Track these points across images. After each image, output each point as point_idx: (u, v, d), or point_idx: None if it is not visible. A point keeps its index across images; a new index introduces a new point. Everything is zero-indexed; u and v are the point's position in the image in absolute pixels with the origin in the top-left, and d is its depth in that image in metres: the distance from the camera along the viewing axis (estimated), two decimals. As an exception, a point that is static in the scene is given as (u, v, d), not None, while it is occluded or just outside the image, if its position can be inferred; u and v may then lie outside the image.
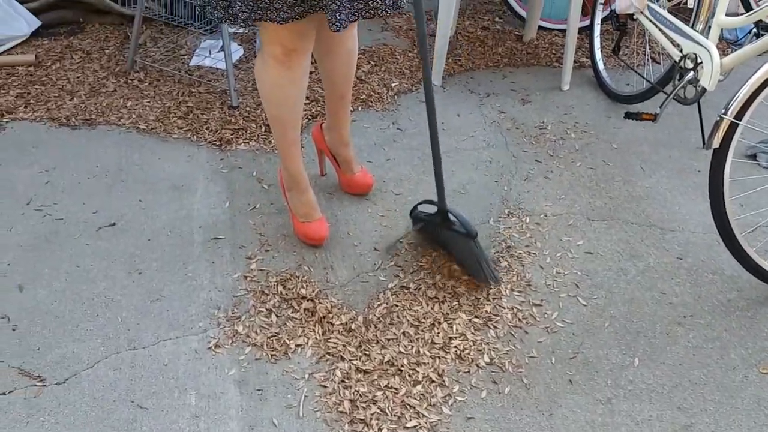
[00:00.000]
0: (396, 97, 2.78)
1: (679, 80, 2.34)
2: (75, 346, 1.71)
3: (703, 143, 1.89)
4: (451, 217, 1.90)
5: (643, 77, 2.65)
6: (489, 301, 1.87)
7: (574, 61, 3.08)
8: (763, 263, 1.90)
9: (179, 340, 1.74)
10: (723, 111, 1.79)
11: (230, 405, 1.59)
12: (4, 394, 1.59)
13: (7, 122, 2.51)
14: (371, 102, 2.73)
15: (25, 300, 1.83)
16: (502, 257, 2.02)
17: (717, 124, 1.80)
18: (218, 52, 2.95)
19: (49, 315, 1.79)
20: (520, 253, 2.04)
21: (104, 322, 1.78)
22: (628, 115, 2.40)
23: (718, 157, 1.83)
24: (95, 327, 1.77)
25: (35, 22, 2.99)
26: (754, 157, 2.48)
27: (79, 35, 3.07)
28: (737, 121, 1.78)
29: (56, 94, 2.66)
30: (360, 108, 2.69)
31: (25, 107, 2.58)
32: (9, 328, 1.75)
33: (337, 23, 1.68)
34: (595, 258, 2.04)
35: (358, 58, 3.00)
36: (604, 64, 2.91)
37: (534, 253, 2.04)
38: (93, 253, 1.99)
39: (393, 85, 2.84)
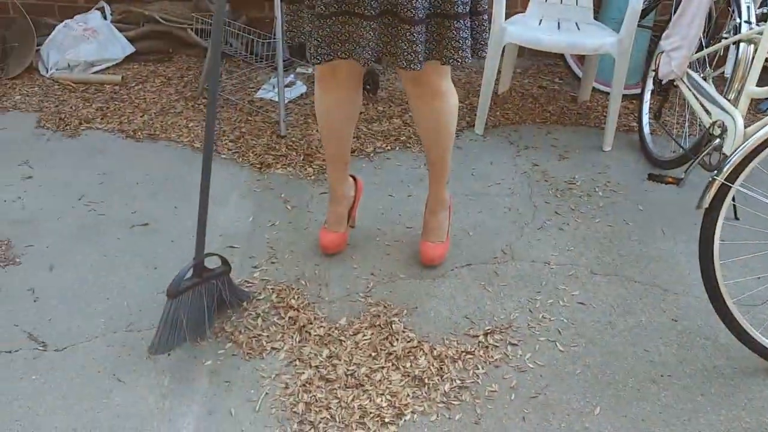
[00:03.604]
0: (435, 141, 2.90)
1: (705, 146, 2.33)
2: (82, 321, 1.91)
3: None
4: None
5: (678, 143, 2.64)
6: (466, 335, 1.92)
7: (624, 125, 3.10)
8: (753, 332, 1.84)
9: (171, 329, 1.90)
10: (716, 172, 1.79)
11: (197, 390, 1.72)
12: (9, 352, 1.80)
13: (83, 130, 2.84)
14: (410, 144, 2.86)
15: (52, 278, 2.07)
16: (491, 296, 2.06)
17: (709, 185, 1.80)
18: (284, 87, 3.19)
19: (68, 292, 2.01)
20: (511, 295, 2.08)
21: (112, 304, 1.98)
22: (652, 177, 2.40)
23: (709, 218, 1.81)
24: (104, 308, 1.97)
25: (130, 49, 3.36)
26: None
27: (166, 63, 3.42)
28: (729, 184, 1.77)
29: (131, 111, 2.98)
30: (398, 148, 2.83)
31: (102, 119, 2.91)
32: (32, 299, 1.98)
33: (365, 62, 1.80)
34: (586, 309, 2.04)
35: (405, 103, 3.15)
36: (651, 130, 2.91)
37: (526, 297, 2.07)
38: (122, 246, 2.21)
39: (435, 130, 2.97)
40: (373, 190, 2.56)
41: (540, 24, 2.96)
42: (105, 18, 3.38)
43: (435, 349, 1.87)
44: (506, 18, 2.93)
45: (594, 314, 2.02)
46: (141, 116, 2.94)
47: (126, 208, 2.39)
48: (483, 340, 1.91)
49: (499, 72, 3.30)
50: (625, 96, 3.30)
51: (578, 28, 2.94)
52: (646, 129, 2.91)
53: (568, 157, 2.84)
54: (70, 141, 2.77)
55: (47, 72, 3.19)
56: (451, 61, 1.80)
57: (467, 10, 1.77)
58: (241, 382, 1.75)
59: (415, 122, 2.09)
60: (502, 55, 3.08)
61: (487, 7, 1.85)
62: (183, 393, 1.71)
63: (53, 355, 1.80)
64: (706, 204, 1.81)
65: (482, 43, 1.86)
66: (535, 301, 2.06)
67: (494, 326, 1.96)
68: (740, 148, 1.77)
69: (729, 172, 1.77)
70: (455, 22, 1.75)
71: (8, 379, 1.73)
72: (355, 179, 2.28)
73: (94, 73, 3.22)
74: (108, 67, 3.28)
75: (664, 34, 2.66)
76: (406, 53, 1.77)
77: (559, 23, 2.99)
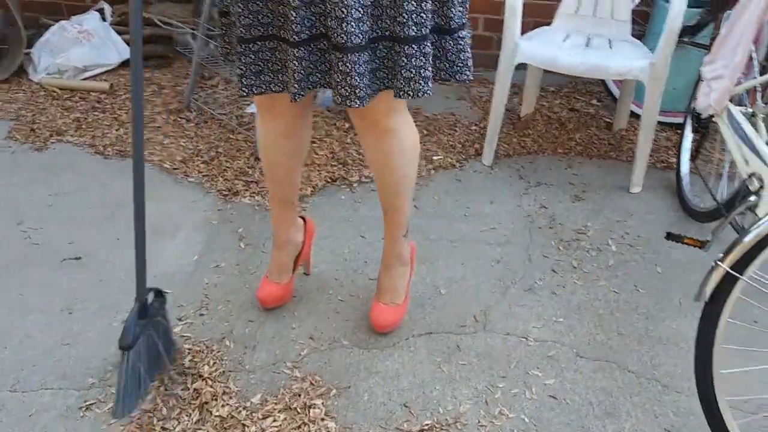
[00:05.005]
0: (432, 171, 2.54)
1: (740, 203, 1.87)
2: (-34, 375, 1.70)
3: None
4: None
5: (712, 193, 2.17)
6: (398, 429, 1.57)
7: (662, 161, 2.64)
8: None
9: (59, 392, 1.64)
10: (720, 256, 1.36)
11: (59, 479, 1.46)
12: None
13: (53, 143, 2.64)
14: (402, 173, 2.51)
15: (-44, 318, 1.86)
16: (444, 378, 1.70)
17: (710, 272, 1.38)
18: (280, 101, 2.90)
19: (-35, 338, 1.80)
20: (468, 379, 1.71)
21: (8, 356, 1.74)
22: (670, 236, 1.95)
23: (710, 313, 1.39)
24: (-4, 360, 1.74)
25: (127, 53, 3.16)
26: None
27: (164, 70, 3.20)
28: (736, 274, 1.34)
29: (108, 123, 2.77)
30: (387, 178, 2.49)
31: (75, 131, 2.71)
32: (-77, 342, 1.78)
33: (295, 95, 1.51)
34: (558, 406, 1.64)
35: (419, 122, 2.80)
36: (690, 169, 2.44)
37: (486, 383, 1.70)
38: (44, 284, 1.98)
39: (435, 158, 2.60)
40: (345, 229, 2.23)
41: (565, 40, 2.54)
42: (104, 20, 3.20)
43: (354, 446, 1.54)
44: (529, 31, 2.54)
45: (565, 414, 1.63)
46: (117, 130, 2.72)
47: (64, 238, 2.16)
48: (415, 439, 1.56)
49: (521, 91, 2.91)
50: (668, 125, 2.85)
51: (610, 46, 2.50)
52: (684, 168, 2.44)
53: (585, 199, 2.42)
54: (35, 155, 2.57)
55: (37, 76, 3.03)
56: (402, 94, 1.46)
57: (423, 32, 1.42)
58: (112, 472, 1.48)
59: (370, 167, 1.76)
60: (520, 72, 2.69)
61: (466, 21, 1.50)
62: (41, 481, 1.46)
63: None
64: (705, 297, 1.39)
65: (460, 65, 1.51)
66: (495, 389, 1.69)
67: (435, 420, 1.60)
68: (752, 228, 1.34)
69: (742, 254, 1.35)
70: (406, 47, 1.42)
71: None
72: (305, 221, 1.97)
73: (84, 79, 3.04)
74: (102, 73, 3.10)
75: (705, 59, 2.19)
76: (340, 86, 1.45)
77: (589, 39, 2.56)
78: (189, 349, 1.78)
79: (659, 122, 2.85)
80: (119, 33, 3.17)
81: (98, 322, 1.85)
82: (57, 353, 1.76)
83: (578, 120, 2.91)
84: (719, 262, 1.35)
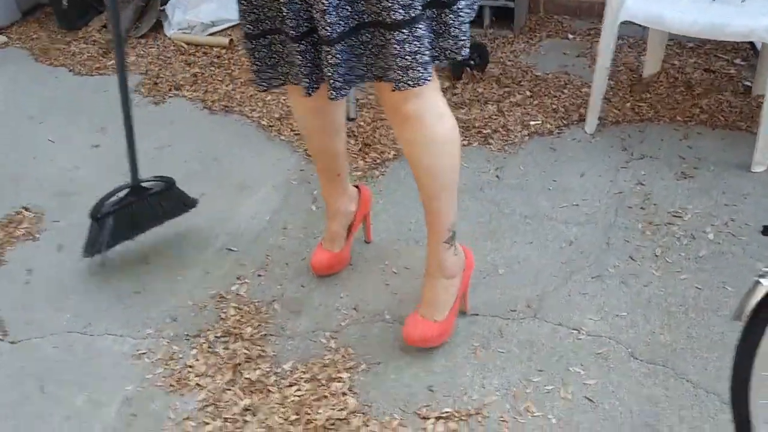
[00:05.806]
0: (526, 138, 2.37)
1: None
2: (51, 314, 1.89)
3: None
4: (147, 185, 2.02)
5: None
6: (416, 414, 1.54)
7: (799, 135, 2.26)
8: None
9: (119, 339, 1.80)
10: (761, 272, 1.15)
11: (102, 419, 1.60)
12: (-28, 337, 1.85)
13: (170, 97, 2.81)
14: (492, 139, 2.38)
15: (54, 260, 2.06)
16: (477, 365, 1.62)
17: (752, 289, 1.17)
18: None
19: (57, 280, 1.99)
20: (503, 368, 1.62)
21: (86, 300, 1.93)
22: (767, 231, 1.68)
23: (751, 332, 1.19)
24: (77, 302, 1.92)
25: (252, 8, 3.25)
26: None
27: (285, 24, 3.26)
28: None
29: (220, 78, 2.88)
30: (476, 143, 2.37)
31: (191, 86, 2.85)
32: (24, 280, 2.00)
33: (308, 88, 1.49)
34: (592, 409, 1.51)
35: (517, 84, 2.62)
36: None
37: (520, 375, 1.60)
38: (132, 233, 2.16)
39: (532, 123, 2.43)
40: (416, 198, 2.16)
41: (690, -7, 2.23)
42: (232, -25, 3.30)
43: (367, 426, 1.53)
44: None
45: (598, 419, 1.49)
46: (227, 85, 2.83)
47: (158, 190, 2.32)
48: (431, 428, 1.51)
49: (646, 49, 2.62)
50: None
51: (743, 0, 2.15)
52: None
53: (693, 176, 2.15)
54: (153, 108, 2.76)
55: (170, 32, 3.22)
56: (401, 85, 1.38)
57: (413, 14, 1.32)
58: (145, 420, 1.59)
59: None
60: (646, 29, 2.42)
61: None
62: (87, 419, 1.60)
63: (6, 347, 1.80)
64: (745, 315, 1.19)
65: (463, 39, 1.40)
66: (528, 383, 1.58)
67: (456, 409, 1.54)
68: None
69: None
70: (396, 33, 1.33)
71: (-44, 366, 1.77)
72: (360, 190, 1.94)
73: (210, 34, 3.18)
74: (227, 28, 3.22)
75: None
76: (332, 79, 1.41)
77: (720, -9, 2.22)
78: (239, 308, 1.85)
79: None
80: (245, -12, 3.27)
81: (167, 274, 1.98)
82: (127, 300, 1.91)
83: (711, 83, 2.56)
84: (762, 279, 1.15)
